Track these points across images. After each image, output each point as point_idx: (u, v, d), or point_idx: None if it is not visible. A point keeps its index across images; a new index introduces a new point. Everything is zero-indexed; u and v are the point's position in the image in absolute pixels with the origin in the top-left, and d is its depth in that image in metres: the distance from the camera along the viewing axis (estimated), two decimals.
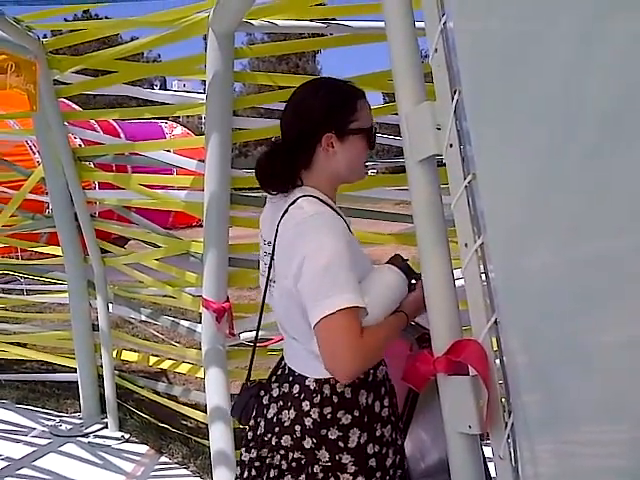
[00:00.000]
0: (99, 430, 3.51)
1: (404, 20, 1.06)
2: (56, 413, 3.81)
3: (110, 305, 3.52)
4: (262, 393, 1.42)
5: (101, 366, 3.54)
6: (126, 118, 6.54)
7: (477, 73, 0.92)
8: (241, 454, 1.42)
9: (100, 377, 3.59)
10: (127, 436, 3.43)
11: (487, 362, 0.98)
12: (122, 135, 8.02)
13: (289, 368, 1.37)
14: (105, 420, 3.54)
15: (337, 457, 1.25)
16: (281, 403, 1.34)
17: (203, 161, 2.53)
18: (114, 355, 3.59)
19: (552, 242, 0.82)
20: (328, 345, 1.17)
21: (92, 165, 3.48)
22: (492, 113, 0.90)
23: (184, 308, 3.32)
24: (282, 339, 1.47)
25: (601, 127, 0.69)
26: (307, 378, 1.30)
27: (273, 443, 1.31)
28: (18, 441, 3.38)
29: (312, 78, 1.41)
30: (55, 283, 4.21)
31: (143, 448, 3.31)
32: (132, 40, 2.99)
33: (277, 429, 1.31)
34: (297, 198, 1.28)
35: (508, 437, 0.97)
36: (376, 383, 1.33)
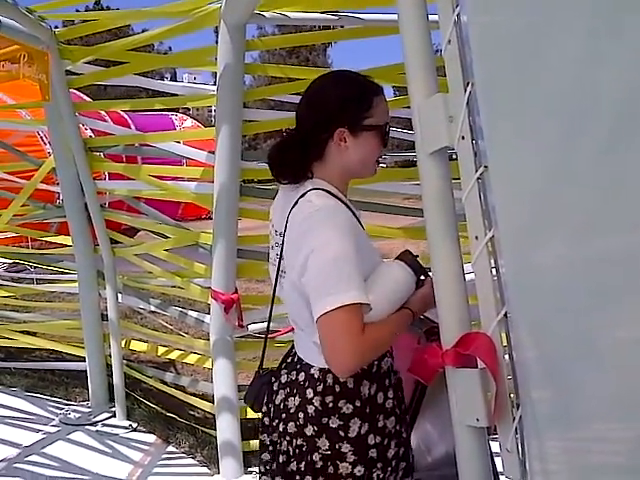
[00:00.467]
0: (107, 419, 3.54)
1: (417, 11, 1.06)
2: (65, 401, 3.85)
3: (119, 295, 3.54)
4: (273, 380, 1.44)
5: (110, 355, 3.57)
6: (137, 109, 6.57)
7: (490, 66, 0.91)
8: (260, 437, 1.46)
9: (109, 366, 3.62)
10: (135, 425, 3.45)
11: (496, 355, 0.98)
12: (132, 127, 8.05)
13: (298, 357, 1.39)
14: (113, 409, 3.57)
15: (337, 446, 1.26)
16: (288, 390, 1.35)
17: (213, 153, 2.53)
18: (123, 345, 3.61)
19: (565, 237, 0.82)
20: (328, 340, 1.18)
21: (102, 156, 3.49)
22: (505, 106, 0.89)
23: (193, 299, 3.33)
24: (290, 330, 1.49)
25: (616, 122, 0.69)
26: (312, 367, 1.32)
27: (280, 429, 1.34)
28: (27, 428, 3.42)
29: (330, 70, 1.40)
30: (65, 273, 4.24)
31: (150, 437, 3.33)
32: (143, 32, 2.99)
33: (284, 415, 1.33)
34: (307, 191, 1.28)
35: (516, 431, 0.97)
36: (380, 374, 1.34)
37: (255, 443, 2.59)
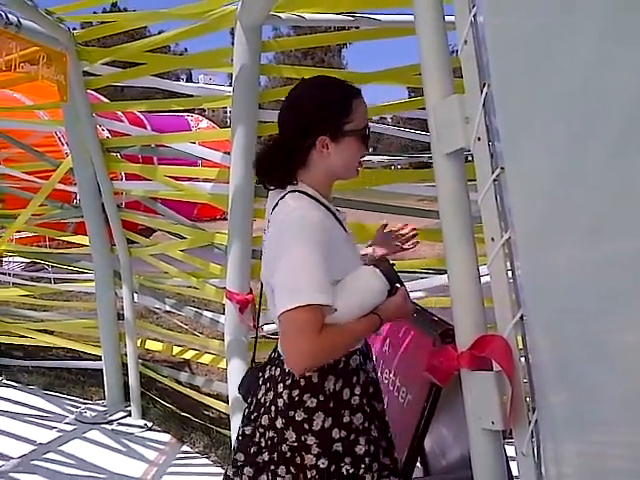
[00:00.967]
0: (122, 418, 3.57)
1: (434, 12, 1.05)
2: (81, 400, 3.88)
3: (135, 295, 3.56)
4: (260, 375, 1.49)
5: (125, 355, 3.60)
6: (153, 110, 6.61)
7: (505, 67, 0.91)
8: (239, 428, 1.50)
9: (124, 366, 3.65)
10: (150, 424, 3.48)
11: (512, 357, 0.97)
12: (148, 127, 8.10)
13: (278, 352, 1.44)
14: (129, 408, 3.60)
15: (302, 438, 1.31)
16: (267, 385, 1.41)
17: (228, 154, 2.54)
18: (138, 344, 3.64)
19: (575, 240, 0.81)
20: (285, 338, 1.24)
21: (119, 156, 3.52)
22: (519, 108, 0.89)
23: (208, 299, 3.34)
24: None
25: (626, 126, 0.68)
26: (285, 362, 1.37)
27: (257, 422, 1.40)
28: (44, 426, 3.46)
29: (309, 77, 1.44)
30: (82, 272, 4.28)
31: (165, 437, 3.36)
32: (160, 33, 3.01)
33: (262, 409, 1.39)
34: (287, 193, 1.34)
35: (532, 434, 0.96)
36: (347, 371, 1.36)
37: None
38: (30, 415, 3.64)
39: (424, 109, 1.10)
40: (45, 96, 4.96)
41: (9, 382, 4.20)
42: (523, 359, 0.99)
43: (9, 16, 2.55)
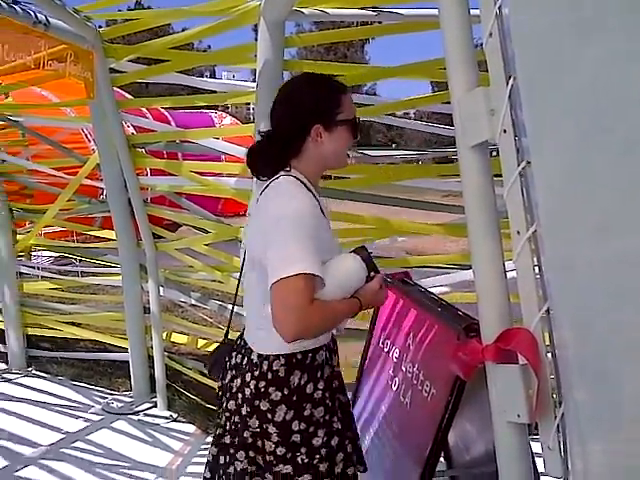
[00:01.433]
0: (148, 409, 3.64)
1: (459, 5, 1.05)
2: (108, 391, 3.97)
3: (161, 288, 3.61)
4: (227, 359, 1.55)
5: (151, 347, 3.65)
6: (178, 106, 6.66)
7: (532, 60, 0.90)
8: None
9: (150, 358, 3.71)
10: (175, 415, 3.54)
11: (538, 350, 0.97)
12: (172, 124, 8.17)
13: (244, 339, 1.50)
14: (154, 399, 3.66)
15: (264, 426, 1.38)
16: (234, 372, 1.48)
17: None
18: (164, 337, 3.70)
19: (598, 234, 0.81)
20: (280, 303, 1.25)
21: (145, 152, 3.57)
22: (546, 101, 0.88)
23: (232, 293, 3.37)
24: None
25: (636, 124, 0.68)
26: (253, 352, 1.43)
27: (223, 406, 1.48)
28: (72, 416, 3.54)
29: (299, 74, 1.57)
30: (109, 266, 4.36)
31: (190, 428, 3.41)
32: (183, 30, 3.04)
33: (228, 394, 1.47)
34: (280, 175, 1.41)
35: (558, 428, 0.96)
36: (313, 366, 1.42)
37: None
38: (59, 405, 3.72)
39: (448, 103, 1.10)
40: (72, 93, 5.03)
41: (39, 373, 4.30)
42: (549, 355, 0.98)
43: (38, 15, 2.60)
